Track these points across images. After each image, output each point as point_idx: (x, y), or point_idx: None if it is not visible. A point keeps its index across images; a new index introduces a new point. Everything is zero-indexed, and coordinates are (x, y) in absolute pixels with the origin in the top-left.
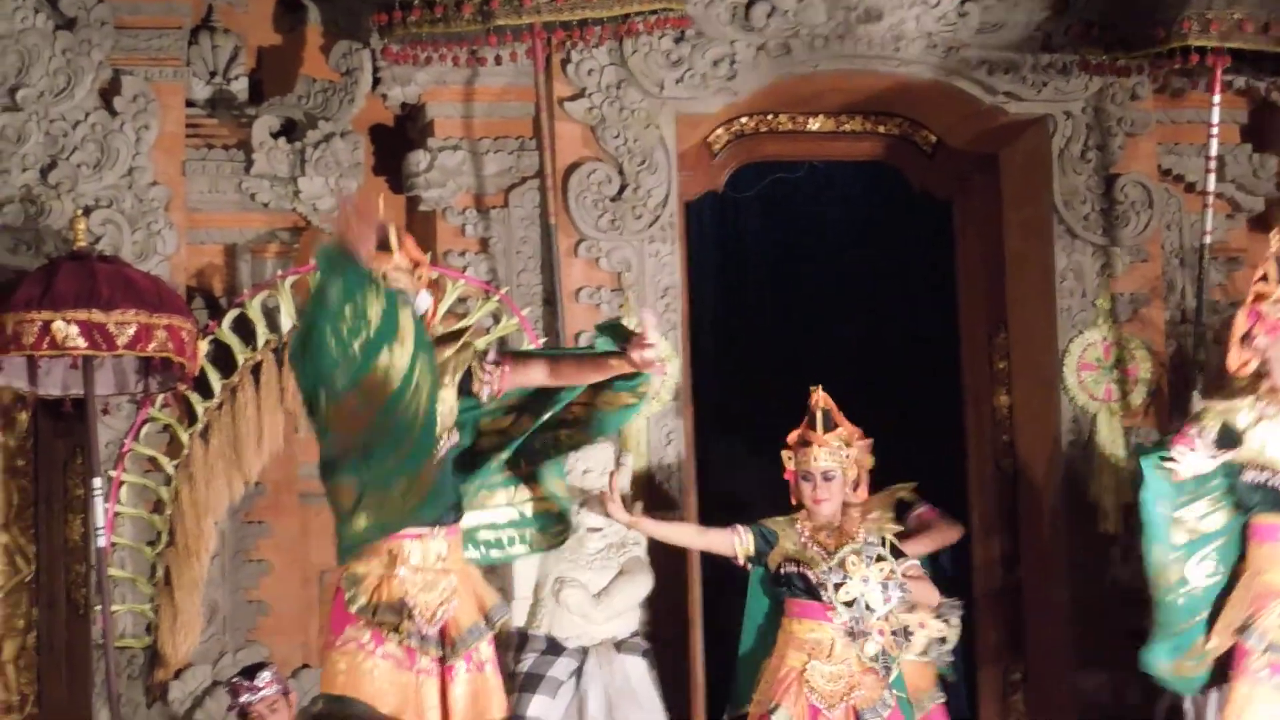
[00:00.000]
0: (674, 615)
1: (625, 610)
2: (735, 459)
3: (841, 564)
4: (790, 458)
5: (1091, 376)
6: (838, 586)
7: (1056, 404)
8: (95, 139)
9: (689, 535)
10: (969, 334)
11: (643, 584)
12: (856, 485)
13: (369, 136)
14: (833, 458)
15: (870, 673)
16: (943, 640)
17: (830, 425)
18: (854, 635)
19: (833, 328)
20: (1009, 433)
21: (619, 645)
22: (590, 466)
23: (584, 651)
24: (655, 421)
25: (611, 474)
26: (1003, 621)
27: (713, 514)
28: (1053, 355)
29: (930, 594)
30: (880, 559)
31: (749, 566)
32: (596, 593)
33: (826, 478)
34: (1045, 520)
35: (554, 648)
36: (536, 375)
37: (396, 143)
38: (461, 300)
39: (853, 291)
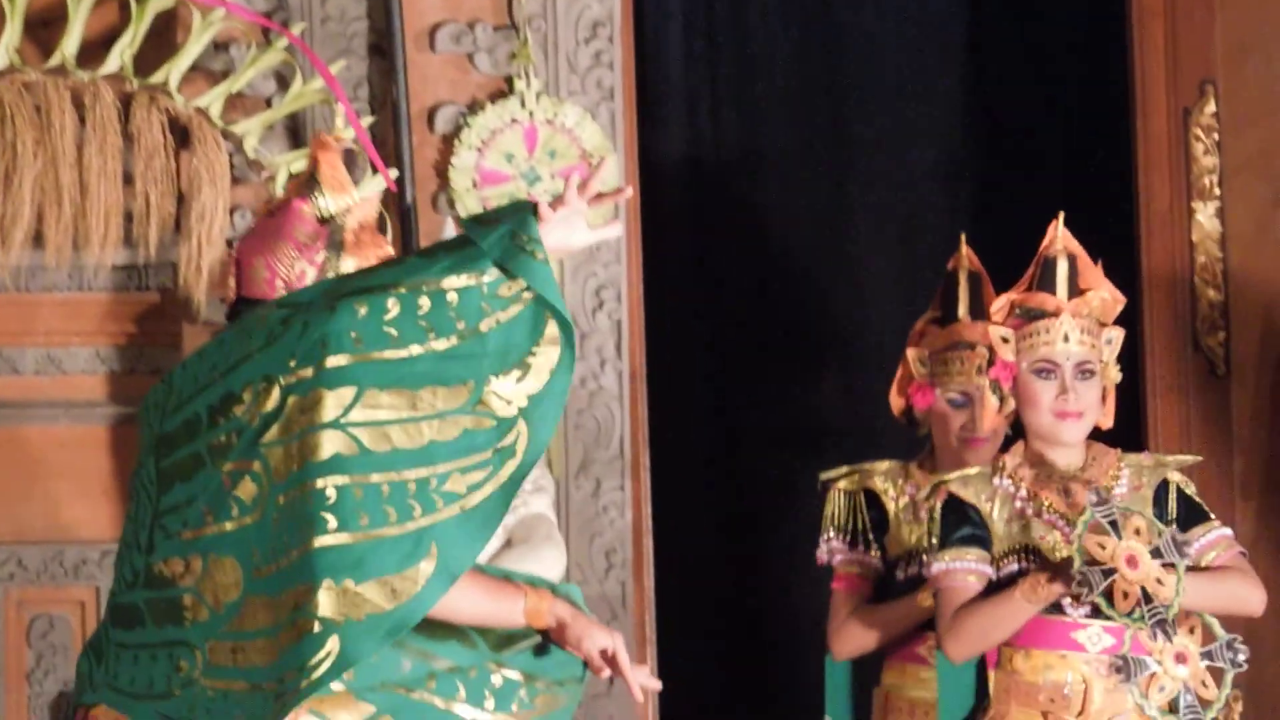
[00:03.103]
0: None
1: None
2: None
3: (1112, 525)
4: (1005, 339)
5: None
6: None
7: None
8: None
9: None
10: (1148, 106)
11: (551, 563)
12: (1104, 400)
13: None
14: (1089, 340)
15: None
16: (1201, 705)
17: (1078, 286)
18: (1128, 671)
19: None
20: (1220, 285)
21: None
22: None
23: None
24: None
25: None
26: None
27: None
28: None
29: (1243, 594)
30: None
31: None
32: None
33: (1083, 373)
34: None
35: None
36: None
37: None
38: (220, 48)
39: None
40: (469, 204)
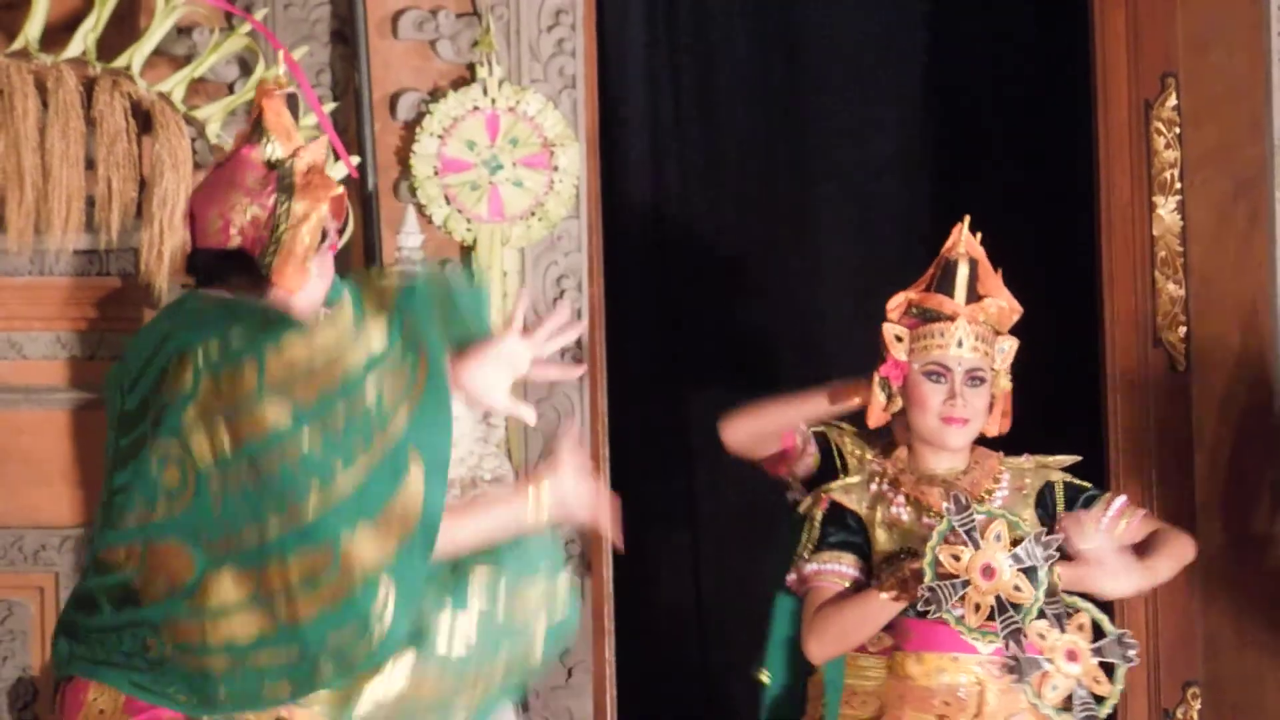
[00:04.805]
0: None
1: None
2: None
3: (978, 530)
4: (899, 338)
5: None
6: (960, 587)
7: (1271, 227)
8: None
9: None
10: (1109, 99)
11: None
12: (991, 409)
13: None
14: (983, 347)
15: None
16: (1096, 700)
17: (976, 292)
18: (1020, 670)
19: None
20: (1181, 280)
21: None
22: None
23: None
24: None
25: None
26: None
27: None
28: (1261, 134)
29: (1180, 547)
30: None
31: None
32: None
33: (973, 380)
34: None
35: None
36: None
37: None
38: (183, 33)
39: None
40: (430, 191)
